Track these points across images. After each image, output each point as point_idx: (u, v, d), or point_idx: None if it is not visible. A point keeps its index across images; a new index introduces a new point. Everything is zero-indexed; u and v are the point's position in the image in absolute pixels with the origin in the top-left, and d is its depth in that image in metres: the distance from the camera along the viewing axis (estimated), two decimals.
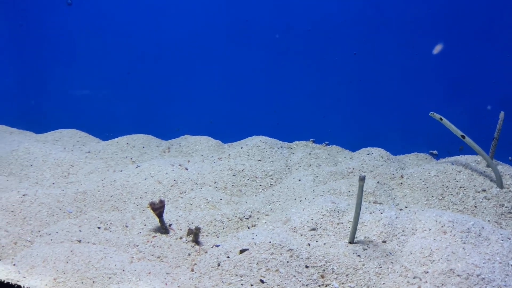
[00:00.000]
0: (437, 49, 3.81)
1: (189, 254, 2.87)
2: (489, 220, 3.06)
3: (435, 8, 4.01)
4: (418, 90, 4.23)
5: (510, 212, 3.11)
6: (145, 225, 3.20)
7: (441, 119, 3.38)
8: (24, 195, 3.30)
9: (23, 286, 1.86)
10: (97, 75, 4.92)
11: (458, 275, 2.37)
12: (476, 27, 3.94)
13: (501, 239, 2.67)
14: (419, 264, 2.53)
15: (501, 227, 3.01)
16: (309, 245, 2.76)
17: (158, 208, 3.10)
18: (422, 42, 4.10)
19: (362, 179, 2.60)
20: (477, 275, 2.36)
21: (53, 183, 3.82)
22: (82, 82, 4.98)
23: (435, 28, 4.03)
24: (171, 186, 3.73)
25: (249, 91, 4.64)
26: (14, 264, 2.66)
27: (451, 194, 3.36)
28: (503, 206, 3.15)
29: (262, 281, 2.47)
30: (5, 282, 1.93)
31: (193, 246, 2.94)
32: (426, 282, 2.38)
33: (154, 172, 3.86)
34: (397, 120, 4.35)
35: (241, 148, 4.37)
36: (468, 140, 3.31)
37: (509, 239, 2.70)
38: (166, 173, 3.85)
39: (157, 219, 3.13)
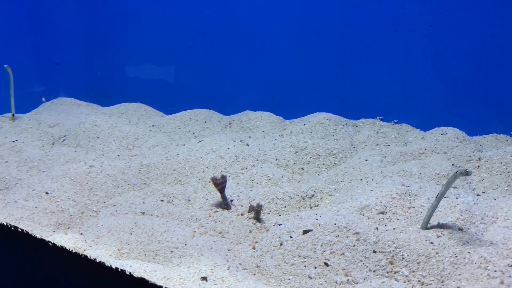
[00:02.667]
0: None
1: (250, 231, 2.81)
2: None
3: None
4: (498, 65, 3.86)
5: None
6: (207, 199, 3.18)
7: None
8: (91, 166, 3.38)
9: (90, 256, 1.86)
10: (161, 50, 4.96)
11: None
12: None
13: None
14: (502, 256, 2.30)
15: None
16: (377, 229, 2.60)
17: (220, 184, 3.06)
18: (504, 15, 3.71)
19: (468, 174, 2.32)
20: None
21: (118, 155, 3.90)
22: (147, 57, 5.04)
23: None
24: (232, 161, 3.68)
25: (312, 65, 4.46)
26: (81, 233, 2.73)
27: None
28: None
29: (326, 264, 2.36)
30: (73, 251, 1.95)
31: (254, 223, 2.88)
32: (510, 276, 2.15)
33: (216, 147, 3.82)
34: (475, 98, 4.01)
35: (304, 125, 4.22)
36: None
37: None
38: (228, 148, 3.80)
39: (219, 194, 3.09)
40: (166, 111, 4.95)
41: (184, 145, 4.02)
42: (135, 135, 4.22)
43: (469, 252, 2.37)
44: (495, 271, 2.21)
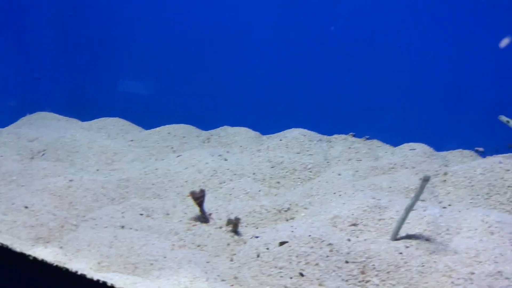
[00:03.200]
0: (504, 42, 3.65)
1: (228, 244, 2.90)
2: None
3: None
4: (465, 84, 4.09)
5: None
6: (185, 213, 3.25)
7: (508, 122, 3.25)
8: (70, 180, 3.42)
9: (70, 269, 1.91)
10: (141, 65, 5.02)
11: (507, 278, 2.28)
12: None
13: None
14: (464, 264, 2.45)
15: None
16: (349, 240, 2.73)
17: (198, 197, 3.14)
18: (473, 35, 3.95)
19: (426, 180, 2.52)
20: None
21: (98, 170, 3.94)
22: (126, 72, 5.10)
23: (488, 21, 3.88)
24: (211, 176, 3.77)
25: (288, 82, 4.61)
26: (61, 247, 2.76)
27: (498, 194, 3.24)
28: None
29: (301, 274, 2.46)
30: (54, 265, 1.99)
31: (232, 236, 2.97)
32: (472, 283, 2.30)
33: (194, 162, 3.91)
34: (442, 115, 4.22)
35: (280, 140, 4.36)
36: None
37: None
38: (206, 163, 3.89)
39: (197, 208, 3.17)
40: (145, 126, 5.01)
41: (163, 159, 4.09)
42: (114, 149, 4.27)
43: (435, 261, 2.52)
44: (459, 278, 2.36)
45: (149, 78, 5.05)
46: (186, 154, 4.06)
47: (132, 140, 4.58)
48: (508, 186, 3.27)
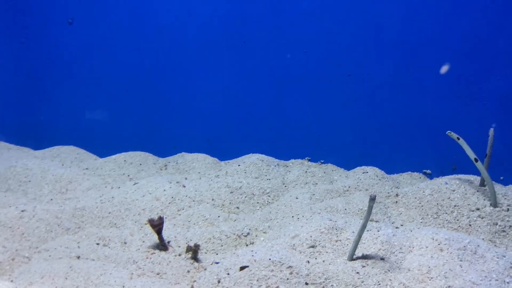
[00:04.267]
0: (444, 69, 3.91)
1: (188, 271, 2.88)
2: (483, 238, 3.12)
3: (428, 30, 4.14)
4: (411, 111, 4.33)
5: (503, 231, 3.18)
6: (143, 241, 3.21)
7: (458, 138, 3.41)
8: (22, 210, 3.29)
9: None
10: (95, 93, 4.96)
11: None
12: (471, 46, 4.07)
13: (496, 257, 2.73)
14: (418, 281, 2.56)
15: (495, 245, 3.07)
16: (308, 262, 2.79)
17: (157, 225, 3.11)
18: (416, 62, 4.22)
19: (373, 199, 2.64)
20: None
21: (51, 199, 3.81)
22: (80, 99, 5.01)
23: (429, 48, 4.16)
24: (169, 203, 3.75)
25: (245, 110, 4.70)
26: (11, 281, 2.65)
27: (446, 213, 3.42)
28: (496, 225, 3.21)
29: None
30: None
31: (192, 263, 2.95)
32: None
33: (151, 189, 3.87)
34: (391, 140, 4.43)
35: (238, 165, 4.40)
36: (479, 164, 3.35)
37: (504, 256, 2.75)
38: (164, 190, 3.87)
39: (156, 236, 3.14)
40: (100, 154, 4.92)
41: (119, 187, 4.02)
42: (68, 178, 4.15)
43: (390, 279, 2.62)
44: None
45: (104, 105, 4.98)
46: (143, 182, 4.01)
47: (87, 168, 4.48)
48: (455, 206, 3.46)
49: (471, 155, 3.36)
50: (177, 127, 4.86)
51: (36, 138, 5.10)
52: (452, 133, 3.41)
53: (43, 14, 4.97)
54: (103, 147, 4.93)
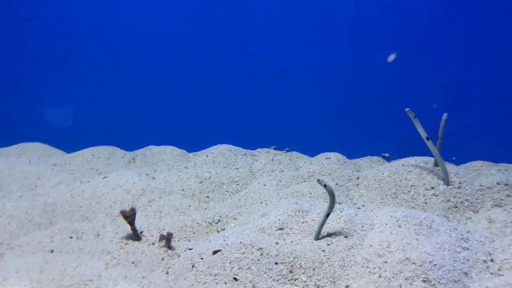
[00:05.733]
0: (391, 57, 4.12)
1: (162, 259, 2.97)
2: (437, 214, 3.37)
3: (379, 16, 4.37)
4: (369, 99, 4.56)
5: (455, 207, 3.44)
6: (116, 233, 3.27)
7: (414, 117, 3.59)
8: None
9: None
10: (59, 88, 4.93)
11: (414, 263, 2.62)
12: (421, 38, 4.32)
13: (449, 230, 2.97)
14: (379, 255, 2.76)
15: (448, 219, 3.33)
16: (277, 243, 2.94)
17: (129, 216, 3.18)
18: (371, 53, 4.44)
19: (319, 182, 2.84)
20: (430, 262, 2.62)
21: (21, 196, 3.80)
22: (44, 96, 4.97)
23: (383, 36, 4.39)
24: (140, 195, 3.81)
25: (212, 102, 4.80)
26: None
27: (403, 193, 3.65)
28: (449, 201, 3.47)
29: (235, 279, 2.62)
30: None
31: (166, 251, 3.05)
32: (385, 270, 2.61)
33: (121, 182, 3.92)
34: (351, 127, 4.65)
35: (206, 156, 4.51)
36: (430, 143, 3.57)
37: (456, 229, 2.99)
38: (134, 182, 3.93)
39: (128, 227, 3.21)
40: (68, 149, 4.91)
41: (88, 182, 4.05)
42: (36, 174, 4.14)
43: (353, 255, 2.81)
44: (374, 267, 2.66)
45: (69, 101, 4.96)
46: (112, 175, 4.06)
47: (55, 164, 4.47)
48: (411, 186, 3.69)
49: (423, 134, 3.59)
50: (144, 120, 4.90)
51: (1, 136, 5.01)
52: (411, 111, 3.60)
53: (5, 10, 4.87)
54: (69, 142, 4.92)
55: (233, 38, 4.64)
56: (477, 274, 2.63)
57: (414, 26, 4.32)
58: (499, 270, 2.66)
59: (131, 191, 3.83)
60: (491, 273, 2.64)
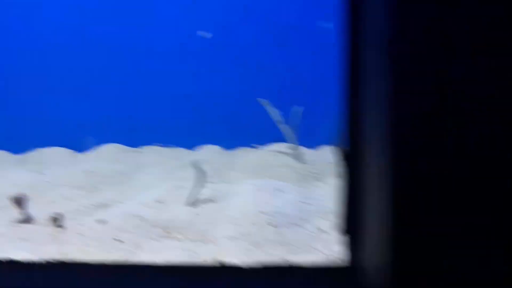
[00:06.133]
0: (203, 34, 4.86)
1: (54, 235, 3.33)
2: (290, 183, 4.17)
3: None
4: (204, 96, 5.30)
5: (304, 178, 4.28)
6: (9, 220, 3.54)
7: (267, 104, 4.31)
8: None
9: None
10: None
11: (267, 214, 3.33)
12: None
13: (295, 192, 3.76)
14: (242, 213, 3.43)
15: (298, 187, 4.14)
16: (156, 212, 3.48)
17: (20, 201, 3.48)
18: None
19: (193, 165, 3.46)
20: (279, 213, 3.35)
21: None
22: None
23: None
24: (31, 189, 4.09)
25: (97, 102, 5.20)
26: None
27: (266, 171, 4.42)
28: (300, 174, 4.31)
29: (120, 241, 3.10)
30: None
31: (56, 229, 3.40)
32: (246, 221, 3.28)
33: (12, 179, 4.17)
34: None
35: (95, 154, 4.89)
36: (283, 126, 4.35)
37: (300, 193, 3.80)
38: (24, 179, 4.19)
39: (21, 211, 3.50)
40: None
41: None
42: None
43: (220, 214, 3.44)
44: (237, 219, 3.32)
45: None
46: (1, 173, 4.27)
47: None
48: (274, 166, 4.47)
49: (276, 118, 4.38)
50: (31, 123, 5.11)
51: None
52: (262, 100, 4.35)
53: None
54: None
55: (104, 40, 5.10)
56: (313, 219, 3.42)
57: None
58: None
59: (22, 186, 4.09)
60: (324, 219, 3.45)
